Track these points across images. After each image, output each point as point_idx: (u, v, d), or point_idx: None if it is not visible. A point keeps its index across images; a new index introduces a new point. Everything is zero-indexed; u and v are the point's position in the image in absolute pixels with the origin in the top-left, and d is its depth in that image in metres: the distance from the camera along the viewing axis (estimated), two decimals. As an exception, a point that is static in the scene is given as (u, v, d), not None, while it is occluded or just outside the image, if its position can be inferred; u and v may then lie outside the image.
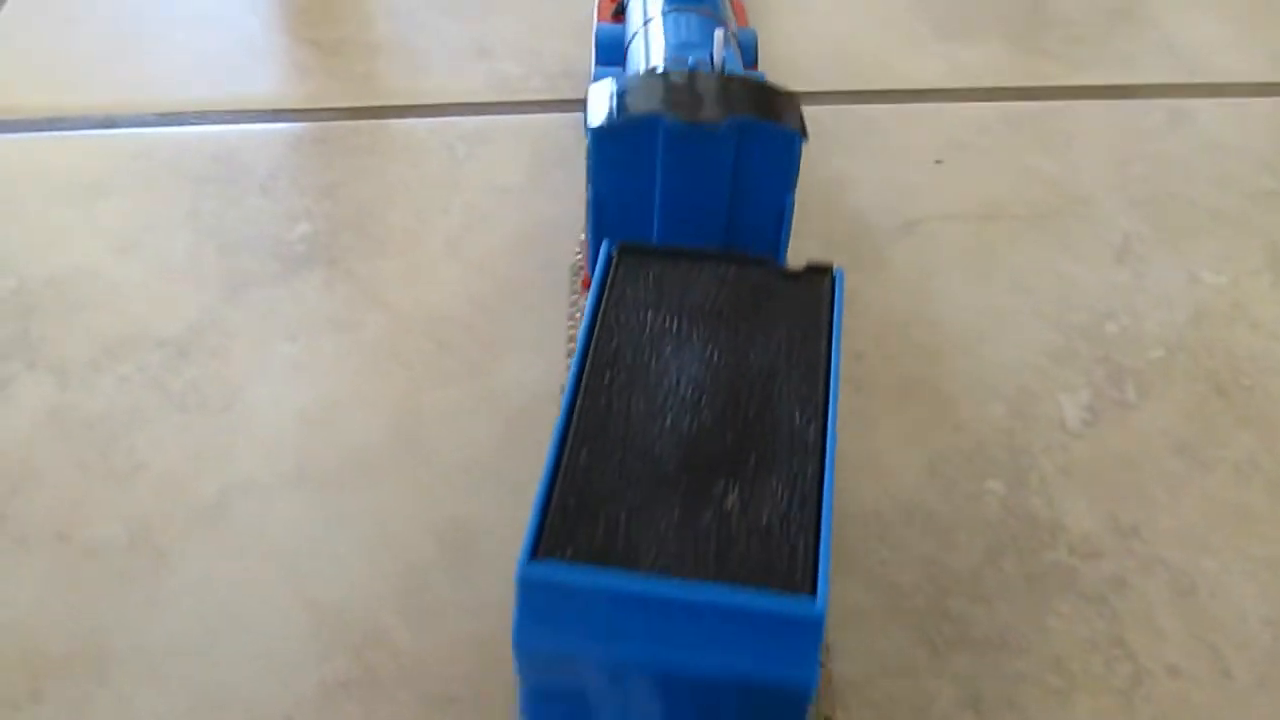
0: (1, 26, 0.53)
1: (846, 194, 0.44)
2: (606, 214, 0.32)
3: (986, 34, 0.53)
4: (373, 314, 0.39)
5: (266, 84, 0.49)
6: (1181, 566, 0.34)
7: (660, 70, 0.33)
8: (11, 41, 0.52)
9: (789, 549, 0.22)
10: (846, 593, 0.33)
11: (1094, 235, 0.43)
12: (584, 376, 0.26)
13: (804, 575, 0.22)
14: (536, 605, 0.22)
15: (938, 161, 0.46)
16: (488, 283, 0.40)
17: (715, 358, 0.26)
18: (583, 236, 0.41)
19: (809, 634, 0.21)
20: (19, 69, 0.50)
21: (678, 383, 0.25)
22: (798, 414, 0.25)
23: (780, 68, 0.50)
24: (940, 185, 0.45)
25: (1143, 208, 0.45)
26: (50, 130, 0.47)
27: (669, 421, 0.25)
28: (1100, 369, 0.39)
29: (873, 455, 0.36)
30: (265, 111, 0.48)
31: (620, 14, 0.40)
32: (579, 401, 0.25)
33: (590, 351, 0.26)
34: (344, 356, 0.38)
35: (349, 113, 0.47)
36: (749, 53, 0.38)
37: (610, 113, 0.30)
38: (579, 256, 0.40)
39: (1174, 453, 0.37)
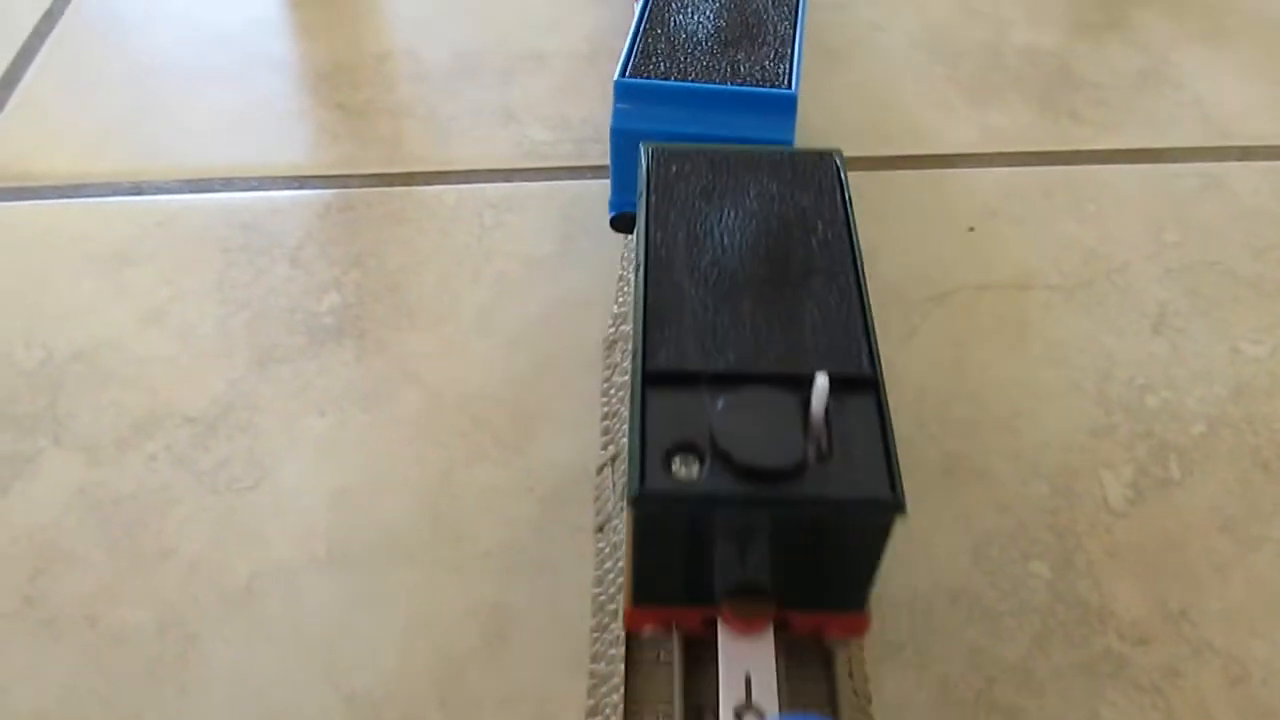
0: (27, 91, 0.52)
1: (880, 263, 0.44)
2: None
3: (1016, 97, 0.53)
4: (404, 389, 0.39)
5: (293, 149, 0.49)
6: (1232, 652, 0.33)
7: None
8: (38, 106, 0.52)
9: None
10: (892, 683, 0.32)
11: (1130, 305, 0.43)
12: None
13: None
14: (625, 102, 0.37)
15: (970, 229, 0.45)
16: (520, 356, 0.40)
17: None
18: (615, 309, 0.40)
19: (788, 107, 0.36)
20: (46, 134, 0.50)
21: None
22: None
23: (812, 133, 0.50)
24: (973, 253, 0.44)
25: (1178, 276, 0.44)
26: (77, 197, 0.47)
27: None
28: (1142, 445, 0.38)
29: (917, 538, 0.35)
30: (292, 178, 0.47)
31: None
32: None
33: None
34: (375, 433, 0.38)
35: (376, 179, 0.47)
36: None
37: None
38: (611, 330, 0.40)
39: (1219, 531, 0.36)
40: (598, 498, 0.35)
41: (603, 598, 0.33)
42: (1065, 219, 0.46)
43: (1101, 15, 0.59)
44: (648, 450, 0.24)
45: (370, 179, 0.47)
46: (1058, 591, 0.34)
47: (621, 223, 0.39)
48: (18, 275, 0.43)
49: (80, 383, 0.39)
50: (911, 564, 0.35)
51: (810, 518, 0.24)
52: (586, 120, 0.50)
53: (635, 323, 0.27)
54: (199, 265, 0.44)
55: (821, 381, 0.24)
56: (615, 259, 0.43)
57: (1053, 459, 0.37)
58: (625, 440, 0.35)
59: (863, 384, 0.26)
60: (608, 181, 0.47)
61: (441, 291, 0.42)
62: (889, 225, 0.46)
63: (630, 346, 0.28)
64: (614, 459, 0.36)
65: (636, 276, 0.28)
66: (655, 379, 0.25)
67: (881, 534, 0.25)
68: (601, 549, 0.34)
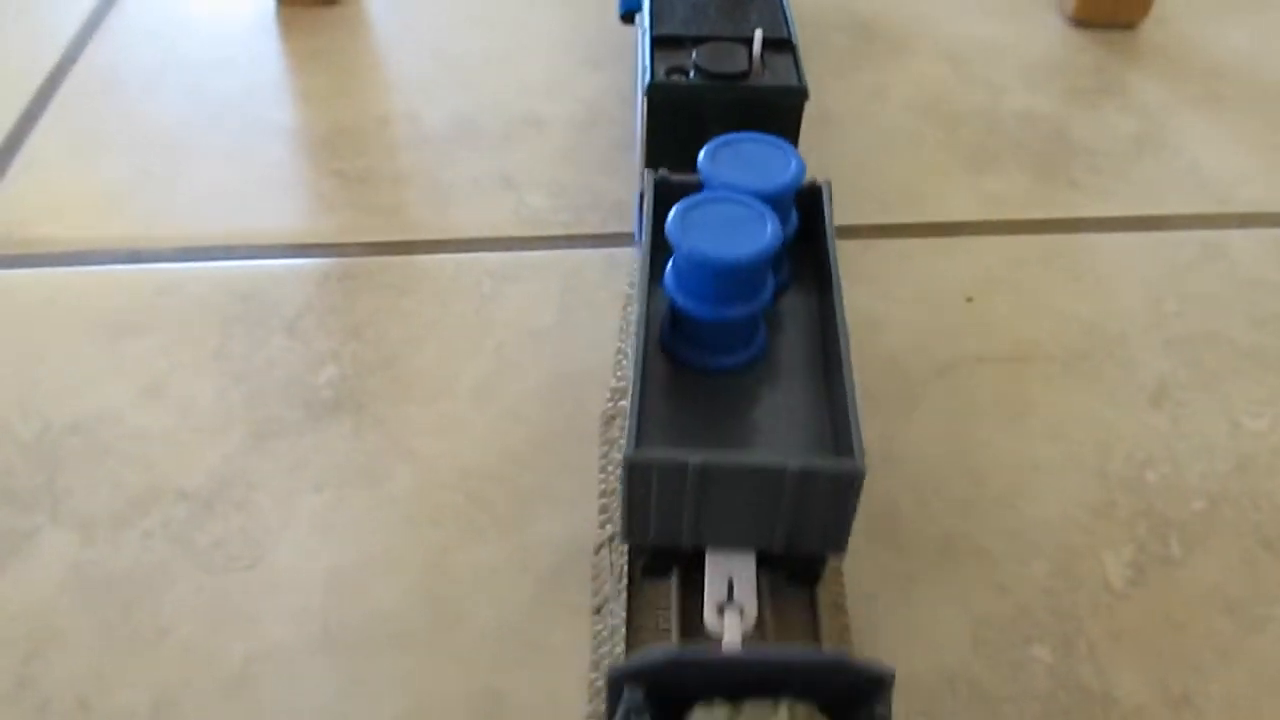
0: (26, 158, 0.53)
1: (879, 334, 0.44)
2: None
3: (1013, 164, 0.53)
4: (402, 465, 0.39)
5: (292, 216, 0.49)
6: (1236, 738, 0.33)
7: None
8: (36, 173, 0.52)
9: None
10: (892, 771, 0.32)
11: (1130, 378, 0.43)
12: None
13: None
14: None
15: (969, 299, 0.45)
16: (518, 432, 0.40)
17: None
18: (614, 383, 0.40)
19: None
20: (48, 199, 0.50)
21: None
22: None
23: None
24: (973, 324, 0.44)
25: (1178, 347, 0.44)
26: (75, 265, 0.47)
27: None
28: (1143, 523, 0.38)
29: (914, 620, 0.35)
30: (291, 246, 0.47)
31: None
32: None
33: None
34: (372, 511, 0.37)
35: (376, 248, 0.47)
36: None
37: None
38: (609, 405, 0.40)
39: (1222, 612, 0.36)
40: (595, 577, 0.35)
41: (600, 683, 0.32)
42: (1064, 289, 0.46)
43: (1097, 80, 0.59)
44: (655, 68, 0.41)
45: (369, 247, 0.47)
46: (1058, 676, 0.34)
47: (629, 18, 0.50)
48: (16, 345, 0.43)
49: (77, 456, 0.39)
50: (908, 647, 0.34)
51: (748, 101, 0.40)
52: (585, 187, 0.50)
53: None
54: (197, 336, 0.44)
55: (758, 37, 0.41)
56: (614, 331, 0.43)
57: (1053, 538, 0.37)
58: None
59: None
60: (606, 251, 0.47)
61: (440, 364, 0.42)
62: (888, 296, 0.46)
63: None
64: (611, 539, 0.36)
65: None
66: (660, 41, 0.43)
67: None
68: (599, 631, 0.33)
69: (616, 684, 0.23)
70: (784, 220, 0.33)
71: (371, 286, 0.46)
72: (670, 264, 0.31)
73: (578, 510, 0.37)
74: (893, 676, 0.23)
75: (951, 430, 0.41)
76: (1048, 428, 0.41)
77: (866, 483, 0.38)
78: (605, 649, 0.33)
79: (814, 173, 0.51)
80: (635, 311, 0.31)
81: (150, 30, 0.62)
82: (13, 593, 0.35)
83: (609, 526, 0.36)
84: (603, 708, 0.32)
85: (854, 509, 0.27)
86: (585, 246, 0.47)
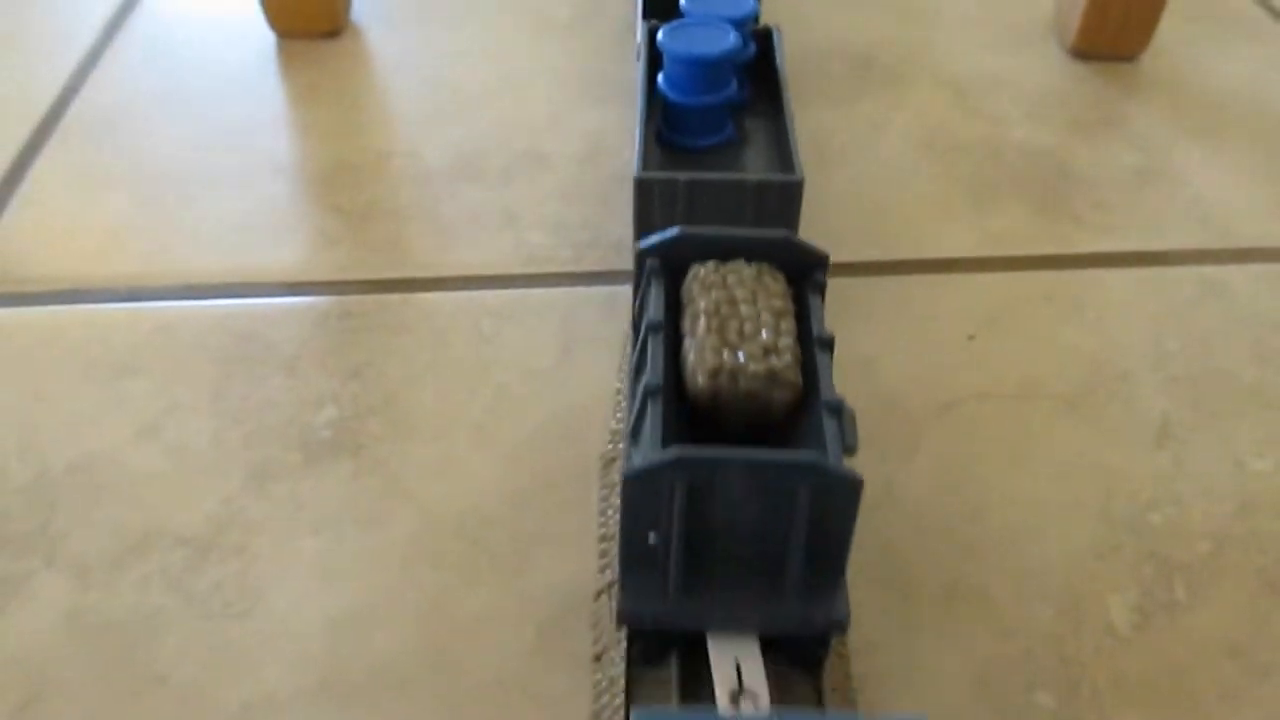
0: (25, 193, 0.53)
1: (879, 373, 0.44)
2: None
3: (1014, 198, 0.53)
4: (400, 508, 0.38)
5: (292, 254, 0.49)
6: (1243, 787, 0.32)
7: None
8: (35, 208, 0.52)
9: None
10: (895, 823, 0.31)
11: (1133, 417, 0.42)
12: None
13: None
14: None
15: (970, 337, 0.45)
16: (518, 474, 0.39)
17: None
18: (614, 425, 0.40)
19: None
20: (42, 237, 0.50)
21: None
22: None
23: (809, 235, 0.50)
24: (974, 363, 0.44)
25: (1180, 385, 0.44)
26: (73, 303, 0.47)
27: None
28: (1148, 565, 0.38)
29: (918, 664, 0.35)
30: (291, 284, 0.47)
31: None
32: None
33: None
34: (371, 555, 0.37)
35: (375, 285, 0.47)
36: None
37: None
38: (609, 447, 0.39)
39: (1227, 657, 0.35)
40: (595, 625, 0.35)
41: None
42: (1066, 325, 0.46)
43: (1099, 112, 0.59)
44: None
45: (369, 285, 0.47)
46: (1064, 725, 0.33)
47: None
48: (15, 385, 0.43)
49: (74, 500, 0.39)
50: (911, 693, 0.34)
51: None
52: (585, 224, 0.50)
53: None
54: (196, 376, 0.43)
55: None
56: (613, 371, 0.43)
57: (1056, 581, 0.37)
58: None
59: None
60: (606, 289, 0.47)
61: (439, 404, 0.42)
62: (889, 333, 0.45)
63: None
64: (611, 585, 0.35)
65: None
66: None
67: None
68: (598, 681, 0.33)
69: (640, 256, 0.34)
70: (744, 44, 0.43)
71: (371, 325, 0.45)
72: (662, 72, 0.42)
73: (577, 554, 0.37)
74: (828, 255, 0.34)
75: (953, 470, 0.40)
76: (1051, 468, 0.41)
77: (867, 524, 0.38)
78: (605, 699, 0.32)
79: (811, 206, 0.52)
80: (637, 108, 0.42)
81: (151, 63, 0.62)
82: (7, 639, 0.35)
83: (609, 572, 0.36)
84: None
85: (797, 213, 0.38)
86: (586, 284, 0.47)
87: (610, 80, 0.60)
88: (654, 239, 0.34)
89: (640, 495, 0.28)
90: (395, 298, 0.47)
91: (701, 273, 0.33)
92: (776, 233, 0.34)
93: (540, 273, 0.48)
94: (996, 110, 0.59)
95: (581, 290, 0.47)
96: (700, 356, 0.31)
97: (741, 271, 0.33)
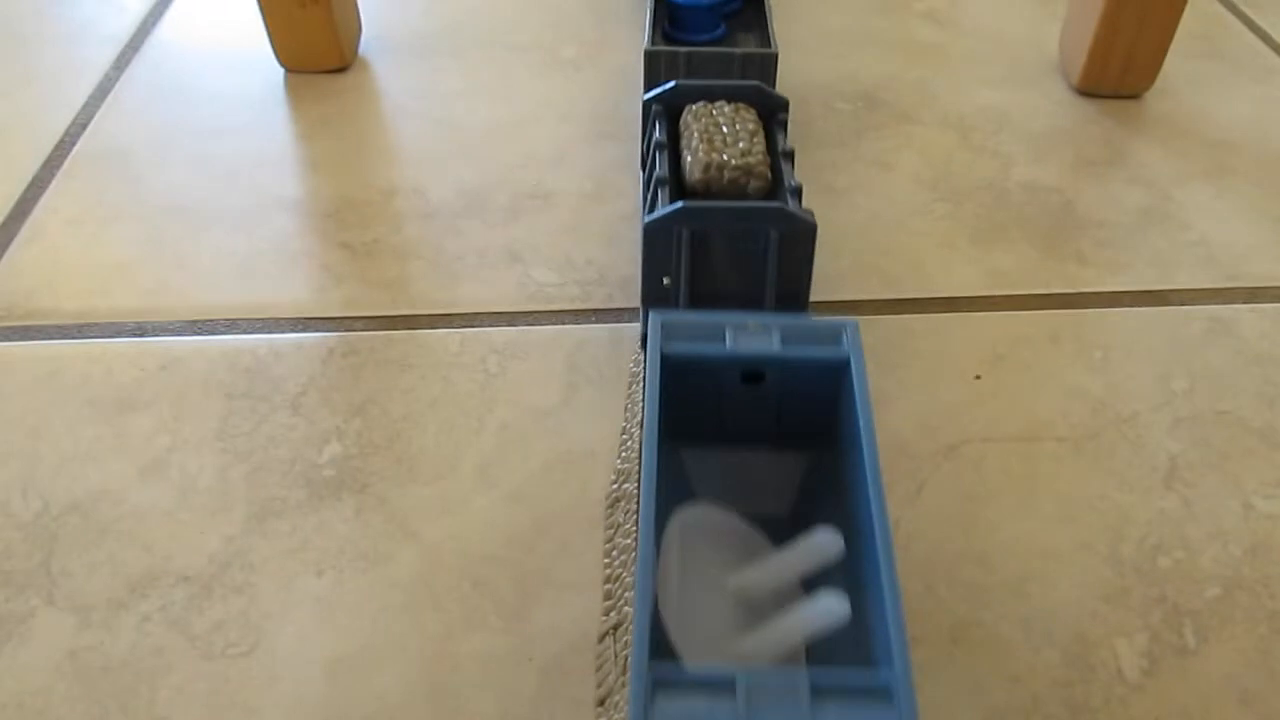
0: (32, 228, 0.53)
1: (886, 413, 0.43)
2: None
3: (1020, 237, 0.53)
4: (403, 548, 0.38)
5: (298, 290, 0.49)
6: (1255, 838, 0.32)
7: None
8: (42, 243, 0.52)
9: None
10: None
11: (1140, 458, 0.42)
12: None
13: None
14: None
15: (977, 377, 0.45)
16: (521, 514, 0.39)
17: None
18: (618, 465, 0.40)
19: None
20: (53, 270, 0.50)
21: None
22: None
23: (817, 275, 0.49)
24: (981, 403, 0.44)
25: (1188, 426, 0.44)
26: (80, 338, 0.47)
27: None
28: (1156, 610, 0.37)
29: (926, 711, 0.34)
30: (297, 320, 0.47)
31: None
32: None
33: None
34: (373, 595, 0.37)
35: (381, 322, 0.47)
36: None
37: None
38: (614, 487, 0.39)
39: (1238, 703, 0.35)
40: (599, 668, 0.34)
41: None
42: (1072, 366, 0.46)
43: (1103, 151, 0.59)
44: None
45: (374, 321, 0.47)
46: (1073, 773, 0.33)
47: None
48: (18, 420, 0.43)
49: (76, 537, 0.39)
50: (921, 740, 0.34)
51: None
52: (590, 261, 0.50)
53: None
54: (200, 412, 0.43)
55: None
56: (619, 410, 0.43)
57: (1065, 626, 0.37)
58: (627, 609, 0.34)
59: None
60: (611, 326, 0.47)
61: (444, 442, 0.42)
62: (895, 373, 0.45)
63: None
64: (615, 627, 0.35)
65: None
66: None
67: None
68: (603, 725, 0.33)
69: (647, 105, 0.46)
70: None
71: (376, 362, 0.45)
72: None
73: (581, 596, 0.37)
74: (788, 100, 0.46)
75: (960, 512, 0.40)
76: (1058, 510, 0.40)
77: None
78: (609, 744, 0.32)
79: (819, 244, 0.52)
80: (646, 10, 0.55)
81: (160, 98, 0.62)
82: (6, 678, 0.35)
83: (613, 614, 0.35)
84: None
85: (773, 79, 0.51)
86: (591, 322, 0.47)
87: (616, 118, 0.60)
88: (656, 90, 0.46)
89: (656, 242, 0.39)
90: (400, 334, 0.47)
91: (694, 109, 0.45)
92: (749, 83, 0.46)
93: (545, 310, 0.48)
94: (1002, 149, 0.59)
95: (587, 328, 0.47)
96: (695, 159, 0.42)
97: (724, 108, 0.44)
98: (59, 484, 0.41)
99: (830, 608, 0.27)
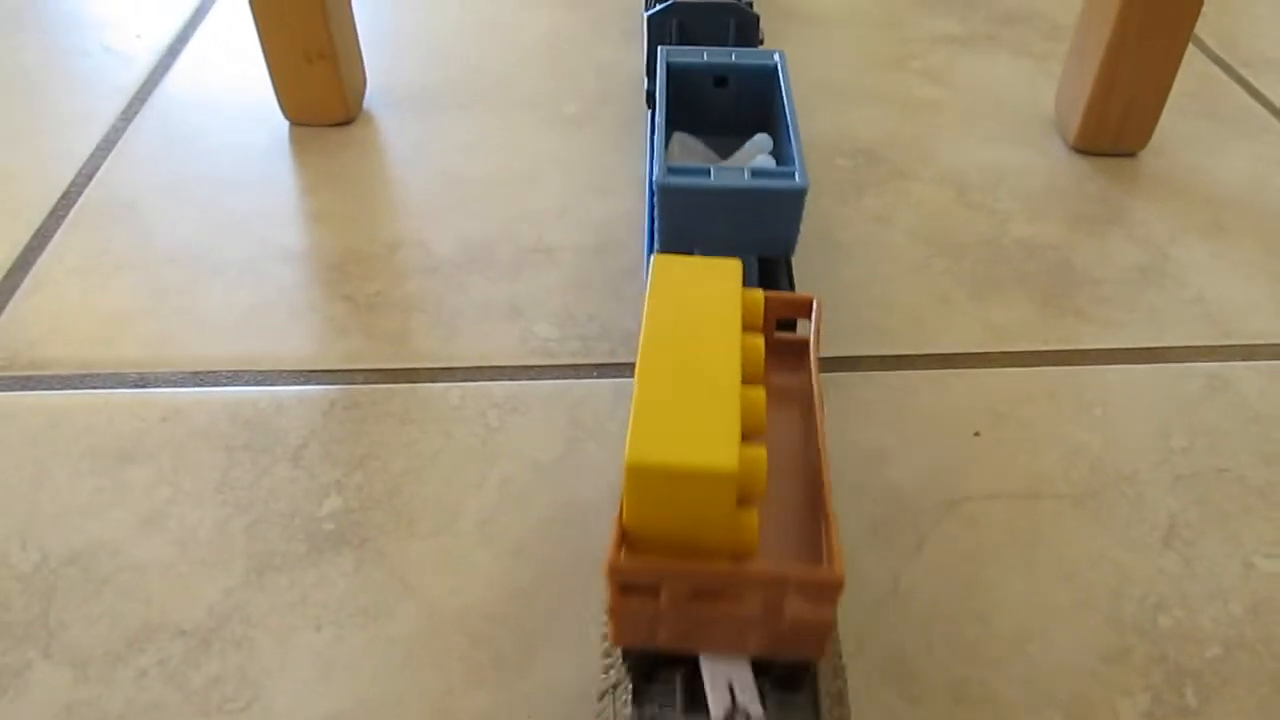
0: (37, 278, 0.53)
1: (884, 469, 0.44)
2: None
3: (1018, 293, 0.53)
4: (403, 602, 0.38)
5: (300, 342, 0.49)
6: None
7: None
8: (46, 293, 0.52)
9: None
10: None
11: (1140, 516, 0.42)
12: None
13: None
14: None
15: (976, 434, 0.45)
16: (522, 570, 0.39)
17: None
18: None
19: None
20: (52, 322, 0.50)
21: None
22: None
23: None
24: (980, 460, 0.44)
25: (1188, 484, 0.44)
26: (82, 388, 0.47)
27: None
28: (1157, 670, 0.37)
29: (925, 772, 0.34)
30: (299, 373, 0.47)
31: None
32: None
33: None
34: (372, 651, 0.37)
35: (382, 375, 0.47)
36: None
37: None
38: (615, 542, 0.39)
39: (1241, 766, 0.35)
40: (599, 727, 0.34)
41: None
42: (1072, 423, 0.46)
43: (1100, 208, 0.60)
44: None
45: (376, 374, 0.47)
46: (1076, 836, 0.33)
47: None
48: (19, 470, 0.43)
49: (74, 589, 0.39)
50: (923, 802, 0.33)
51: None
52: (592, 316, 0.51)
53: None
54: (201, 464, 0.43)
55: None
56: (619, 466, 0.43)
57: (1066, 686, 0.36)
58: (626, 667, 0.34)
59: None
60: (613, 381, 0.47)
61: (444, 497, 0.42)
62: (894, 429, 0.45)
63: None
64: (615, 686, 0.35)
65: None
66: None
67: None
68: (602, 785, 0.33)
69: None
70: None
71: (377, 415, 0.45)
72: None
73: (581, 653, 0.37)
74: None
75: (960, 569, 0.40)
76: (1058, 568, 0.40)
77: (872, 622, 0.37)
78: (609, 804, 0.32)
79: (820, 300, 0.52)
80: None
81: (166, 149, 0.63)
82: (3, 734, 0.35)
83: (612, 672, 0.35)
84: None
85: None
86: (592, 377, 0.47)
87: (618, 174, 0.61)
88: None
89: (653, 32, 0.57)
90: (402, 388, 0.47)
91: None
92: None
93: (547, 364, 0.48)
94: (999, 205, 0.60)
95: (588, 383, 0.47)
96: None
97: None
98: (59, 535, 0.41)
99: (760, 142, 0.48)
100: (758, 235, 0.43)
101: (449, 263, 0.54)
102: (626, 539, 0.29)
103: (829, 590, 0.27)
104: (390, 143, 0.64)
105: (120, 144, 0.64)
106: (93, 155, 0.63)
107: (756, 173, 0.42)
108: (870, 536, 0.41)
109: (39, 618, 0.38)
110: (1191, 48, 0.77)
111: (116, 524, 0.41)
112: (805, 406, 0.34)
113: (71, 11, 0.79)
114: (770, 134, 0.49)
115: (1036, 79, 0.73)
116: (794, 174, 0.42)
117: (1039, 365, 0.49)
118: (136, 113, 0.67)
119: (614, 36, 0.76)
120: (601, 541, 0.40)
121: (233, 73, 0.71)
